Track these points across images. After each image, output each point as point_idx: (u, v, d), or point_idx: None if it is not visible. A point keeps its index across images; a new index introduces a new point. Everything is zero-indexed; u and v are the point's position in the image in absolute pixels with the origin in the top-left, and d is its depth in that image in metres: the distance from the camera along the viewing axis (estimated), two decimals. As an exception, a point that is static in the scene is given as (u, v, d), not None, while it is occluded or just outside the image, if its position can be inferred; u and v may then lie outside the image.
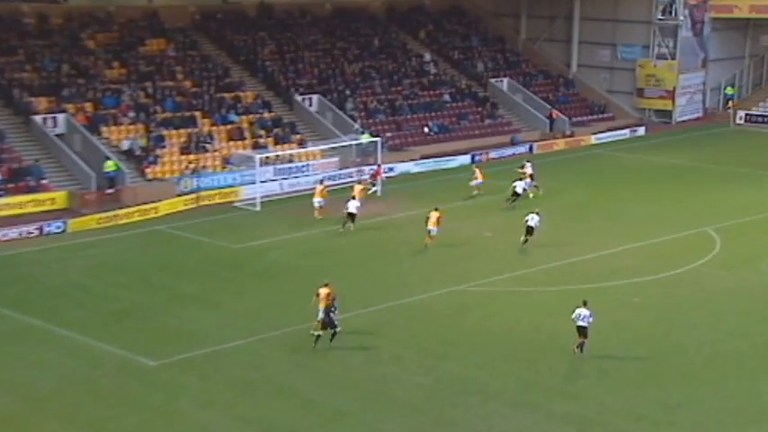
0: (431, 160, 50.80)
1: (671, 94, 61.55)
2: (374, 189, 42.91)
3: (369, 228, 38.26)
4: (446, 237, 36.62)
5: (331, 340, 25.15)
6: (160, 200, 40.59)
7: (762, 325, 26.50)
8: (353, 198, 37.53)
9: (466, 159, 51.51)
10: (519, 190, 40.33)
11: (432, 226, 34.51)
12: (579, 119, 60.67)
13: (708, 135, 58.56)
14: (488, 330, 26.81)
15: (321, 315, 25.27)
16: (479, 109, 58.71)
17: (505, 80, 61.39)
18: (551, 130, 57.95)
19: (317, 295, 25.62)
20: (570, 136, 57.49)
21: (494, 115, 58.46)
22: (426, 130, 54.56)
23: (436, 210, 34.85)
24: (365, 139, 49.20)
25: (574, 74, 65.39)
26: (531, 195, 41.27)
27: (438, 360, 24.90)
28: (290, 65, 56.11)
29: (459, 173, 49.21)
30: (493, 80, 61.22)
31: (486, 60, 63.71)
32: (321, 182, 41.40)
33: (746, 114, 61.23)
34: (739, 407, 22.03)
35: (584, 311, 25.03)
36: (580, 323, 24.99)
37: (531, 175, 41.87)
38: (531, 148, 54.33)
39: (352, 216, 36.82)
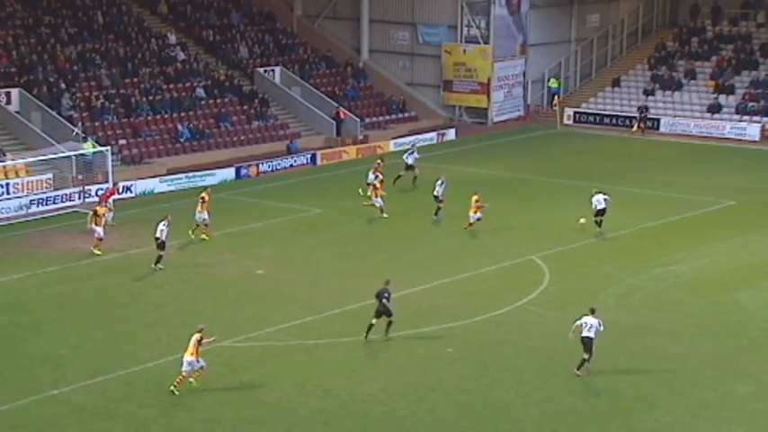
0: (182, 176, 50.31)
1: (485, 88, 64.73)
2: (110, 216, 41.95)
3: (98, 268, 37.26)
4: (205, 276, 36.35)
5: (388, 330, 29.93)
6: None
7: (600, 377, 28.20)
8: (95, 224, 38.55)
9: (229, 173, 51.47)
10: (437, 193, 42.99)
11: (472, 212, 40.63)
12: (374, 119, 62.44)
13: (531, 139, 62.05)
14: (262, 400, 26.74)
15: (184, 368, 26.69)
16: (245, 107, 58.97)
17: (277, 69, 62.06)
18: (339, 133, 59.18)
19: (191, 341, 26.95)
20: (363, 141, 58.96)
21: (264, 115, 58.88)
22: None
23: (476, 193, 41.11)
24: (89, 148, 47.90)
25: (365, 61, 67.20)
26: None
27: (196, 445, 24.56)
28: (-24, 47, 53.72)
29: (221, 191, 49.08)
30: (261, 69, 61.73)
31: (251, 43, 64.13)
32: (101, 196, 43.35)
33: (575, 113, 65.55)
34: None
35: (591, 320, 27.52)
36: (586, 333, 27.44)
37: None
38: (313, 158, 55.15)
39: (160, 244, 36.88)
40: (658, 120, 63.12)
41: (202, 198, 40.48)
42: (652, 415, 25.95)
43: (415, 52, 66.57)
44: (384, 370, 28.69)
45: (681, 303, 33.76)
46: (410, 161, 49.38)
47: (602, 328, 27.70)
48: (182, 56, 60.12)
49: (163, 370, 28.34)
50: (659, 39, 70.31)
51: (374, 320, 30.02)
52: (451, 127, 62.92)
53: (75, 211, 44.65)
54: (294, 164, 54.24)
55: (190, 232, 40.18)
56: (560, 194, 48.10)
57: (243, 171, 51.97)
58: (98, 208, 39.22)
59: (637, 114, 62.66)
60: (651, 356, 29.48)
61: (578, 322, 27.88)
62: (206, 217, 40.16)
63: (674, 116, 63.25)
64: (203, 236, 40.23)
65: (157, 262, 36.69)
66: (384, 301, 29.93)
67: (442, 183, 43.26)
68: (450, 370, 28.69)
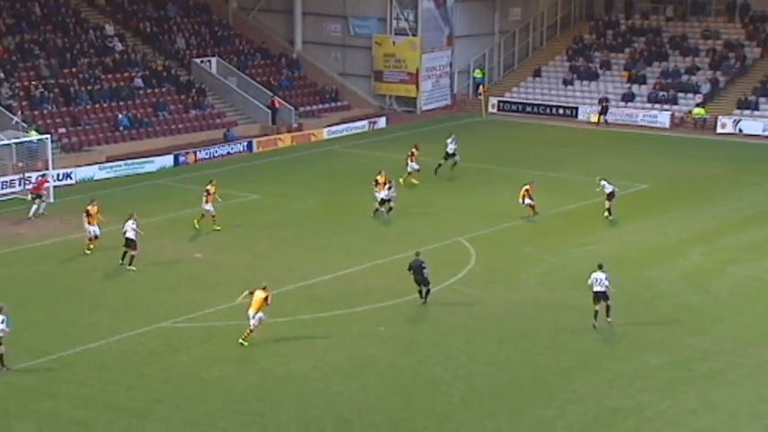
0: (121, 163, 49.74)
1: (414, 78, 64.93)
2: (40, 206, 41.10)
3: (39, 254, 36.75)
4: (145, 260, 36.00)
5: (426, 298, 31.13)
6: None
7: (523, 352, 28.60)
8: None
9: (168, 161, 51.00)
10: (382, 196, 40.74)
11: (521, 199, 40.57)
12: (307, 108, 62.30)
13: (458, 127, 62.16)
14: (202, 378, 26.65)
15: (252, 321, 28.11)
16: (182, 97, 58.43)
17: (214, 60, 61.59)
18: (274, 122, 58.96)
19: (251, 293, 28.42)
20: (297, 129, 58.82)
21: (201, 104, 58.42)
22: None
23: (526, 184, 41.02)
24: (33, 136, 47.19)
25: (299, 52, 66.99)
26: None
27: (138, 419, 24.37)
28: None
29: (159, 177, 48.68)
30: (198, 60, 61.22)
31: (187, 35, 63.54)
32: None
33: (499, 101, 66.06)
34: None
35: (600, 275, 29.43)
36: (597, 288, 29.33)
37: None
38: (249, 145, 54.89)
39: (130, 243, 34.65)
40: (576, 108, 63.87)
41: (207, 191, 39.12)
42: (571, 386, 26.38)
43: (346, 44, 66.51)
44: (318, 348, 28.74)
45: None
46: (450, 149, 48.41)
47: (607, 282, 29.39)
48: (119, 47, 59.34)
49: (104, 351, 28.12)
50: (577, 31, 71.09)
51: (425, 287, 31.35)
52: (382, 115, 63.01)
53: (15, 198, 43.88)
54: (231, 151, 53.94)
55: (195, 222, 39.25)
56: (486, 179, 48.50)
57: (181, 158, 51.52)
58: (89, 207, 36.57)
59: (598, 106, 62.28)
60: (570, 331, 29.94)
61: (590, 280, 29.65)
62: (211, 209, 38.91)
63: (592, 105, 64.03)
64: (215, 227, 39.09)
65: (130, 263, 34.70)
66: (424, 271, 30.98)
67: (391, 186, 41.18)
68: (382, 347, 28.84)
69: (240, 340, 28.18)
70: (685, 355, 28.32)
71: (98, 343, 28.52)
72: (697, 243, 38.44)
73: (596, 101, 63.04)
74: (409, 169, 45.55)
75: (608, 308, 29.67)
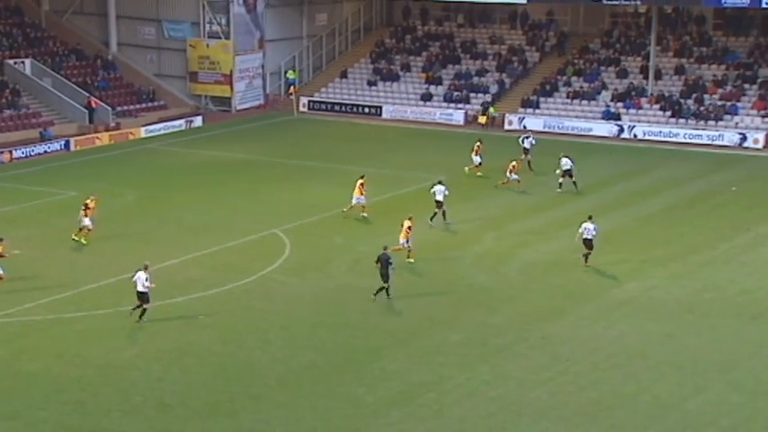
0: (-65, 162, 47.01)
1: (228, 79, 64.24)
2: None
3: None
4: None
5: (378, 291, 30.69)
6: None
7: (335, 334, 28.82)
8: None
9: (-17, 160, 48.53)
10: (439, 197, 38.27)
11: (509, 173, 43.62)
12: (125, 108, 60.61)
13: (271, 125, 62.18)
14: (21, 371, 25.58)
15: (402, 242, 33.72)
16: (-4, 97, 55.68)
17: (28, 61, 59.12)
18: (92, 121, 57.08)
19: (402, 225, 33.81)
20: (115, 128, 57.12)
21: (16, 104, 55.93)
22: None
23: (514, 160, 44.24)
24: None
25: (114, 54, 65.06)
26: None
27: (-43, 418, 23.13)
28: None
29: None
30: (11, 61, 58.59)
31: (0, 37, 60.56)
32: None
33: (309, 101, 66.20)
34: (314, 429, 23.63)
35: (589, 225, 33.32)
36: (587, 236, 33.27)
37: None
38: (67, 144, 52.90)
39: None
40: (381, 107, 64.75)
41: (85, 205, 36.50)
42: (379, 364, 26.78)
43: (161, 46, 65.09)
44: (139, 338, 28.06)
45: (399, 266, 34.84)
46: (526, 145, 48.45)
47: (594, 232, 33.28)
48: (-71, 48, 55.98)
49: None
50: (378, 36, 72.01)
51: (385, 284, 30.92)
52: (198, 114, 62.03)
53: None
54: (48, 150, 51.86)
55: (73, 236, 36.59)
56: (298, 174, 48.51)
57: (-3, 157, 49.15)
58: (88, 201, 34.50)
59: (480, 109, 61.67)
60: (378, 313, 30.40)
61: (580, 229, 33.49)
62: (89, 223, 36.25)
63: (394, 104, 65.09)
64: (75, 237, 36.35)
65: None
66: (389, 266, 30.65)
67: (444, 187, 38.88)
68: (202, 335, 28.44)
69: (408, 260, 33.43)
70: (480, 331, 29.23)
71: None
72: (489, 229, 39.67)
73: (480, 105, 62.43)
74: (475, 163, 46.79)
75: (588, 255, 33.33)
